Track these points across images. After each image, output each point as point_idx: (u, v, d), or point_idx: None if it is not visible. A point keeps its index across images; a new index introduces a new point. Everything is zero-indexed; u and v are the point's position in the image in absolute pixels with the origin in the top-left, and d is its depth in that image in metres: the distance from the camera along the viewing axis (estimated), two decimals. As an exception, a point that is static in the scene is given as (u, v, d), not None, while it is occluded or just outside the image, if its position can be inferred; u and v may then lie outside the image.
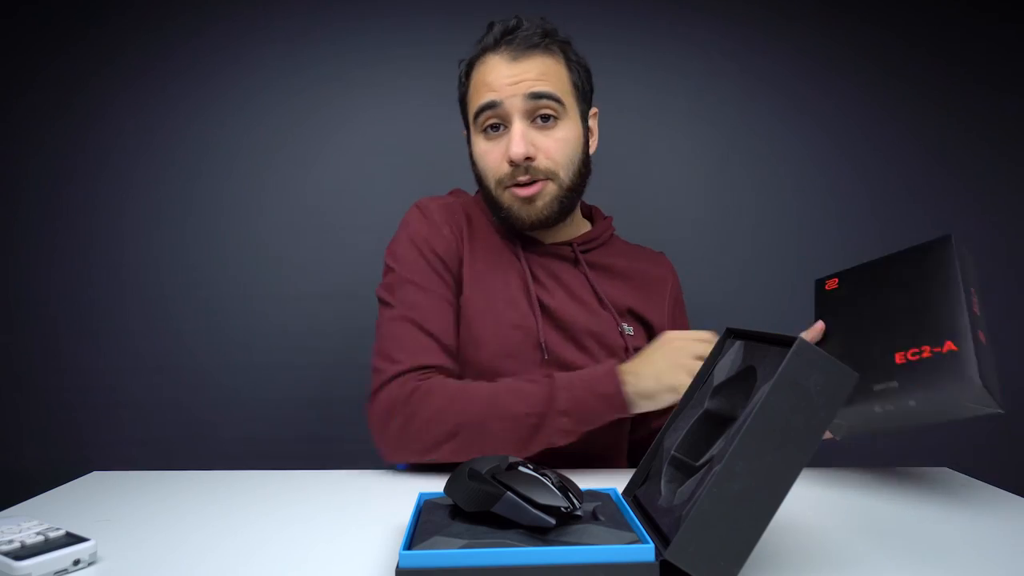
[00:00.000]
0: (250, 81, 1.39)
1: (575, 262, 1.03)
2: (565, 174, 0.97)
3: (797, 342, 0.53)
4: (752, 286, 1.43)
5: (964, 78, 1.44)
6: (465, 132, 1.04)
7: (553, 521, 0.57)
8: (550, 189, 0.97)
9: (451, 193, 1.09)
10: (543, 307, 0.98)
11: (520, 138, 0.93)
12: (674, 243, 1.42)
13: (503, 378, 0.93)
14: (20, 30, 1.36)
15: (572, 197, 1.00)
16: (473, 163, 1.01)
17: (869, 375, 0.76)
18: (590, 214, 1.13)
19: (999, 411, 0.73)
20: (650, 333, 1.06)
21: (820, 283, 0.92)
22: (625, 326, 1.02)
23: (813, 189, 1.43)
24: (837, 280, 0.89)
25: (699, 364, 0.77)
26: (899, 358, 0.76)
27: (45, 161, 1.37)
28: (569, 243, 1.04)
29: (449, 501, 0.66)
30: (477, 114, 0.96)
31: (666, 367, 0.83)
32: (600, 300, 1.02)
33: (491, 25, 0.98)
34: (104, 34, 1.37)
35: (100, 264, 1.37)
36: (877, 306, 0.81)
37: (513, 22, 0.96)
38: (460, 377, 0.96)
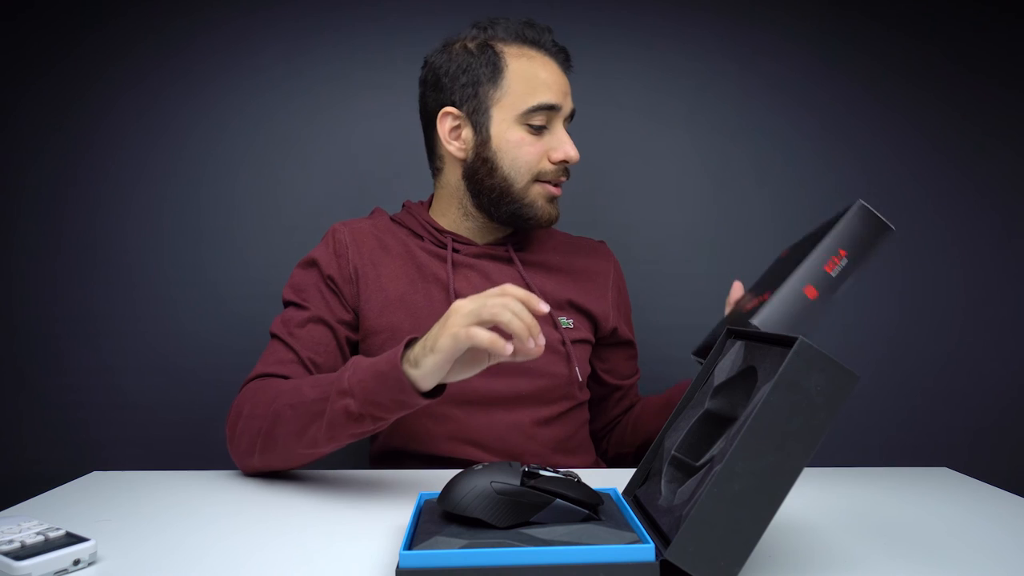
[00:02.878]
0: (252, 83, 1.38)
1: (509, 261, 1.04)
2: None
3: (798, 342, 0.53)
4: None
5: (971, 74, 1.43)
6: (453, 111, 0.99)
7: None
8: (560, 194, 1.03)
9: (372, 214, 1.10)
10: None
11: (572, 143, 0.99)
12: (674, 243, 1.42)
13: None
14: (22, 32, 1.36)
15: None
16: (487, 148, 0.98)
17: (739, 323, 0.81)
18: None
19: None
20: (594, 323, 1.08)
21: (780, 255, 0.98)
22: (563, 319, 1.04)
23: (816, 188, 1.43)
24: (787, 251, 0.94)
25: (473, 325, 0.70)
26: (752, 304, 0.82)
27: (47, 162, 1.36)
28: (503, 242, 1.05)
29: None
30: (533, 110, 0.97)
31: (436, 333, 0.73)
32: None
33: (529, 22, 1.00)
34: (107, 36, 1.37)
35: (101, 264, 1.36)
36: (784, 268, 0.85)
37: (552, 34, 1.00)
38: None
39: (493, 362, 0.76)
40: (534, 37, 0.99)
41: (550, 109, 0.97)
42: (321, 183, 1.39)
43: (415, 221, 1.05)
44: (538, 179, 0.99)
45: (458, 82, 0.98)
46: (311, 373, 0.96)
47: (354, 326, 1.01)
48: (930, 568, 0.59)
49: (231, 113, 1.38)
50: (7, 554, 0.55)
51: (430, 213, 1.07)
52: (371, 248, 1.02)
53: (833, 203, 1.43)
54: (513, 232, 1.07)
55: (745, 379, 0.63)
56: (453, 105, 0.99)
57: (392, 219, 1.08)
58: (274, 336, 0.98)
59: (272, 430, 0.84)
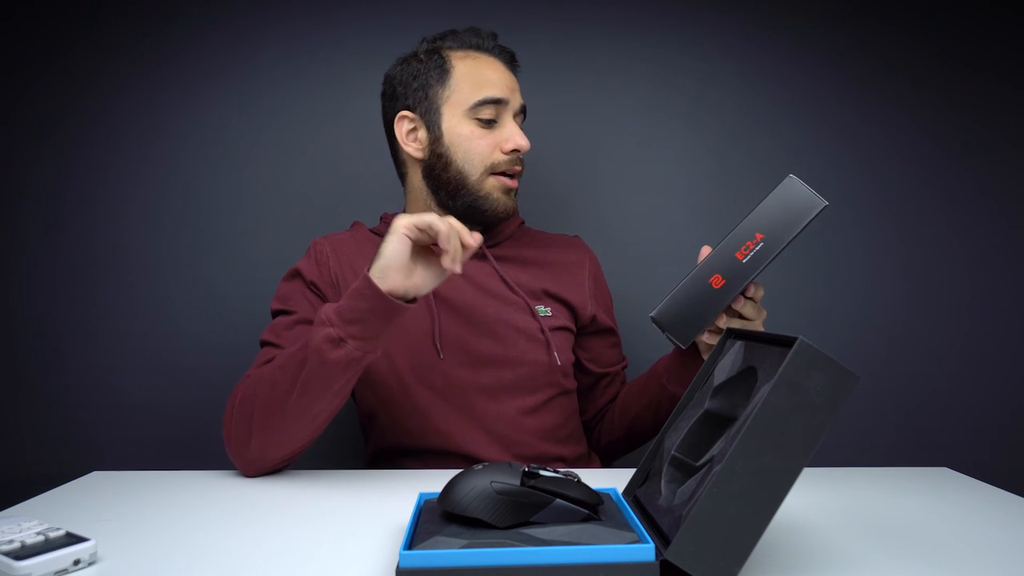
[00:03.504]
0: (252, 83, 1.38)
1: (482, 257, 1.08)
2: None
3: (797, 343, 0.53)
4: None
5: (973, 71, 1.43)
6: (409, 115, 1.05)
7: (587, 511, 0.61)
8: (516, 186, 1.08)
9: (351, 227, 1.15)
10: (452, 305, 1.04)
11: (522, 133, 1.04)
12: (676, 240, 1.42)
13: (413, 385, 1.01)
14: (22, 31, 1.36)
15: None
16: (440, 144, 1.03)
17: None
18: None
19: (678, 343, 0.83)
20: (572, 311, 1.10)
21: None
22: (540, 307, 1.07)
23: (818, 186, 1.41)
24: None
25: (411, 223, 0.82)
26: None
27: (47, 161, 1.36)
28: None
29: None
30: (480, 104, 1.02)
31: (395, 221, 0.83)
32: (510, 287, 1.06)
33: (474, 29, 1.07)
34: (107, 35, 1.37)
35: (101, 264, 1.36)
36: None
37: (496, 39, 1.07)
38: None
39: (448, 271, 0.82)
40: (478, 42, 1.06)
41: (496, 103, 1.03)
42: (321, 183, 1.39)
43: None
44: (493, 172, 1.04)
45: (410, 88, 1.06)
46: None
47: None
48: (930, 568, 0.59)
49: (231, 113, 1.38)
50: (7, 554, 0.55)
51: None
52: (350, 257, 1.07)
53: (834, 201, 1.43)
54: (484, 229, 1.09)
55: (745, 379, 0.63)
56: (408, 109, 1.06)
57: (371, 231, 1.13)
58: (263, 343, 1.01)
59: (267, 400, 0.87)
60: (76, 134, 1.37)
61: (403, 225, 0.82)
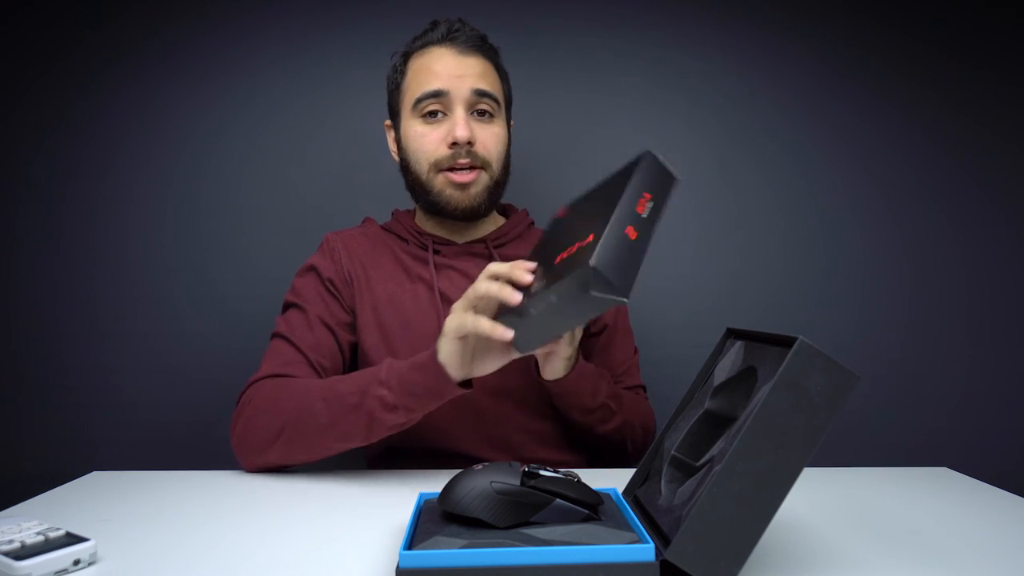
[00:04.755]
0: (252, 83, 1.38)
1: (489, 258, 1.07)
2: (496, 166, 1.04)
3: (798, 342, 0.53)
4: (754, 286, 1.43)
5: (975, 72, 1.43)
6: (389, 123, 1.10)
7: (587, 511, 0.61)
8: (483, 179, 1.02)
9: (362, 223, 1.16)
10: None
11: (464, 122, 0.99)
12: (675, 241, 1.42)
13: None
14: (22, 31, 1.36)
15: (498, 192, 1.06)
16: (401, 148, 1.06)
17: (535, 282, 0.77)
18: (504, 211, 1.18)
19: (622, 300, 0.72)
20: None
21: (555, 215, 0.93)
22: None
23: (818, 186, 1.43)
24: (566, 210, 0.90)
25: (460, 325, 0.79)
26: (557, 259, 0.76)
27: (47, 161, 1.36)
28: (482, 240, 1.08)
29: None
30: (419, 100, 1.00)
31: (446, 321, 0.81)
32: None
33: (434, 23, 1.05)
34: (107, 36, 1.37)
35: (101, 264, 1.36)
36: (577, 222, 0.82)
37: (457, 24, 1.04)
38: None
39: (515, 355, 0.81)
40: (434, 36, 1.04)
41: (435, 95, 1.00)
42: (322, 182, 1.39)
43: (400, 227, 1.11)
44: (439, 168, 1.01)
45: (388, 96, 1.09)
46: (319, 375, 0.99)
47: (352, 327, 1.05)
48: (930, 568, 0.59)
49: (231, 112, 1.38)
50: (7, 554, 0.55)
51: (416, 218, 1.13)
52: (361, 254, 1.08)
53: (835, 201, 1.43)
54: (492, 230, 1.10)
55: (745, 379, 0.63)
56: (389, 118, 1.09)
57: (382, 227, 1.13)
58: (279, 336, 1.01)
59: (300, 423, 0.88)
60: (77, 134, 1.37)
61: (452, 328, 0.80)
